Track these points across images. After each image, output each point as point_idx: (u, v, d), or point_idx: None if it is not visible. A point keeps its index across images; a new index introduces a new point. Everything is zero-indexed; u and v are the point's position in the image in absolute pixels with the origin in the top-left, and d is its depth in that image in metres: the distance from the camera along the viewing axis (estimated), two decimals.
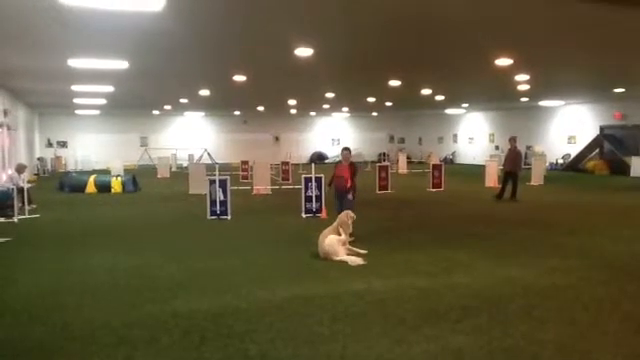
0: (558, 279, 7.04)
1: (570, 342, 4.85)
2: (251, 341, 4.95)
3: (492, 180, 20.63)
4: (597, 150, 28.93)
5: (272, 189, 18.72)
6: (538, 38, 10.67)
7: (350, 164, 10.23)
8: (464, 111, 37.89)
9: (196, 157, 35.12)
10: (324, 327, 5.28)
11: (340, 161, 10.62)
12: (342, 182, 10.13)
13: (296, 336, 5.05)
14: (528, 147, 31.59)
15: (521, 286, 6.71)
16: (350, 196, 10.00)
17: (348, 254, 8.32)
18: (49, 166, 32.82)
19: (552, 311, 5.72)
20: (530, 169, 22.07)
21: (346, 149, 10.57)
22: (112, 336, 5.10)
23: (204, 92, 21.55)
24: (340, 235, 8.56)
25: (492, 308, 5.82)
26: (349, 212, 9.00)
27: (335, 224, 8.77)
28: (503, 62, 13.38)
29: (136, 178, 20.48)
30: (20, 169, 15.02)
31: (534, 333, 5.07)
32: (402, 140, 45.25)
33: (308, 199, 13.11)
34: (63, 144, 36.42)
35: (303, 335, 5.08)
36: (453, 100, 28.41)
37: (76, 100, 23.89)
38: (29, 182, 13.90)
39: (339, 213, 9.18)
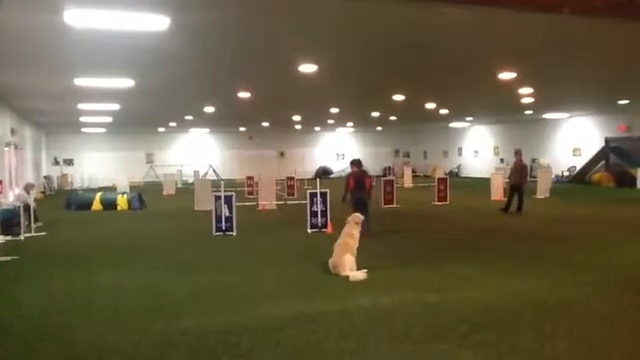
0: (567, 293, 6.98)
1: (582, 358, 4.78)
2: (259, 358, 4.92)
3: (498, 193, 20.51)
4: (603, 162, 28.81)
5: (277, 204, 18.72)
6: (541, 52, 10.72)
7: None
8: (469, 124, 37.93)
9: (201, 173, 35.22)
10: (331, 343, 5.24)
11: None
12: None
13: (303, 353, 5.02)
14: (533, 160, 31.54)
15: (530, 301, 6.65)
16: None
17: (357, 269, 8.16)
18: (55, 184, 32.97)
19: (562, 326, 5.65)
20: (536, 182, 21.99)
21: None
22: (120, 355, 5.08)
23: (209, 109, 21.69)
24: (353, 242, 8.47)
25: (500, 323, 5.76)
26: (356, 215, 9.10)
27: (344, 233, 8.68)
28: (507, 76, 13.43)
29: (142, 195, 20.51)
30: (28, 188, 15.15)
31: (544, 349, 5.01)
32: (407, 154, 45.29)
33: (313, 214, 13.08)
34: (69, 162, 36.68)
35: (310, 352, 5.04)
36: (457, 114, 28.47)
37: (82, 118, 24.09)
38: (34, 200, 14.02)
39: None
